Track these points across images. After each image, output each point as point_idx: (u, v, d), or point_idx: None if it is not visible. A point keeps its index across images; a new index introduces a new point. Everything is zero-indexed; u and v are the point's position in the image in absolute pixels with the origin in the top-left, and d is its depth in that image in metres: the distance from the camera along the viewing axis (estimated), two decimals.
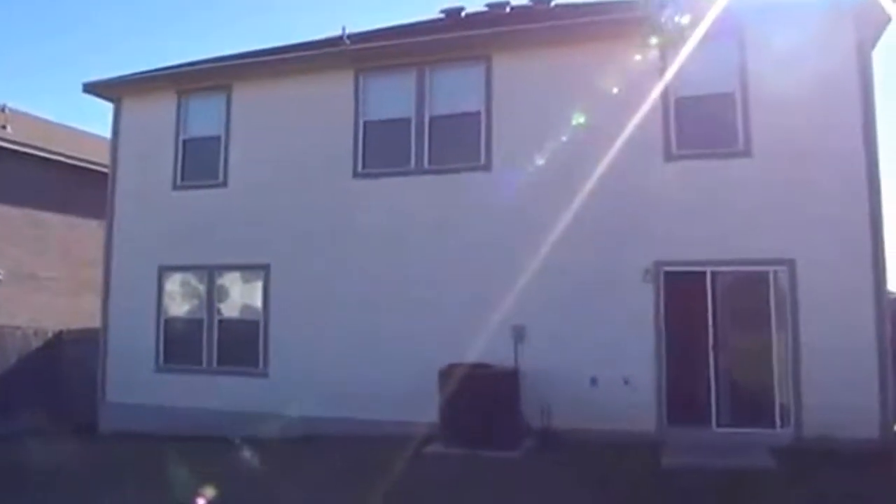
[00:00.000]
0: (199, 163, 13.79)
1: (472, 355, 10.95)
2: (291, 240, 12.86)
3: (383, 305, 12.12)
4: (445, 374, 10.69)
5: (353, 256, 12.45)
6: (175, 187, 13.89)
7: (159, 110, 14.11)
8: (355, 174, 12.64)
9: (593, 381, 10.96)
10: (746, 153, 10.88)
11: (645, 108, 10.98)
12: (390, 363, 11.84)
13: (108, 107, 14.74)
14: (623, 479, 8.78)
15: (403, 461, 9.57)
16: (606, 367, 10.93)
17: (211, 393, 12.89)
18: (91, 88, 14.54)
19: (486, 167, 11.93)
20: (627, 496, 8.17)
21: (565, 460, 9.66)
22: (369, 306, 12.20)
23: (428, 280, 11.92)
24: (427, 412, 10.67)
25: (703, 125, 11.22)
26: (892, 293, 11.39)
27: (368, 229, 12.38)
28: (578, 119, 11.26)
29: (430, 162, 12.27)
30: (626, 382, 10.80)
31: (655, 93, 11.02)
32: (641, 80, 10.81)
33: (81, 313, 16.95)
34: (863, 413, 9.95)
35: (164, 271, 13.77)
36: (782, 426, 10.48)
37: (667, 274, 11.04)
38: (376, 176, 12.54)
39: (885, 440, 9.91)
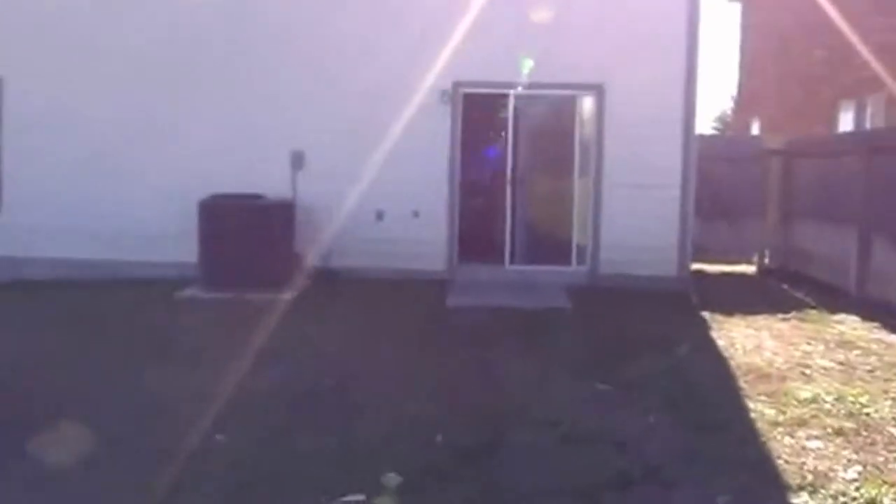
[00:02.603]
0: None
1: (242, 186, 9.40)
2: (31, 50, 10.22)
3: (135, 129, 10.01)
4: (207, 206, 9.06)
5: (100, 73, 10.08)
6: None
7: None
8: None
9: (379, 215, 9.77)
10: None
11: None
12: (144, 195, 9.96)
13: None
14: (401, 319, 7.90)
15: (148, 307, 8.33)
16: (395, 200, 9.74)
17: None
18: None
19: None
20: (403, 337, 7.18)
21: (342, 300, 8.65)
22: (119, 131, 10.03)
23: (186, 99, 9.96)
24: (189, 252, 9.17)
25: None
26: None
27: (115, 42, 10.07)
28: None
29: None
30: (415, 215, 9.71)
31: None
32: None
33: None
34: (661, 252, 9.72)
35: None
36: (579, 264, 9.96)
37: (466, 96, 9.82)
38: None
39: (682, 279, 9.78)
